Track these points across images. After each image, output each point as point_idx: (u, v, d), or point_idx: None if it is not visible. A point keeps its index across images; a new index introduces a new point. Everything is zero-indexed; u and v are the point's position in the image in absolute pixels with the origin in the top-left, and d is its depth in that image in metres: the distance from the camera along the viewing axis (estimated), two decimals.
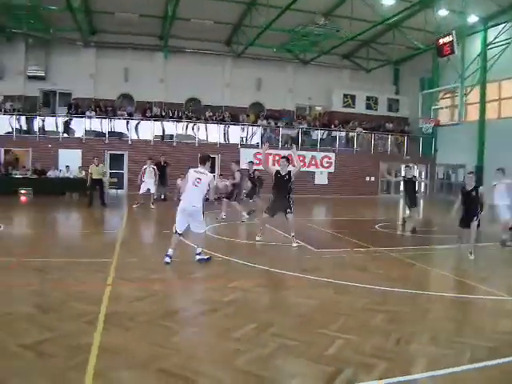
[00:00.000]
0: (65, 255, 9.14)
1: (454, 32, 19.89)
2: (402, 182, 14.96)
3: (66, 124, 25.54)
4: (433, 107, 21.83)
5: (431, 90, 23.30)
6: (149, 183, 18.43)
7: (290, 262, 9.16)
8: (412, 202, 13.91)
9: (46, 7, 22.77)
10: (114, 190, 23.56)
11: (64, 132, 25.14)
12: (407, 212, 14.59)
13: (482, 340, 5.13)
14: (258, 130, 27.92)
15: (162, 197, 21.03)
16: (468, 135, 26.30)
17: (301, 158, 26.56)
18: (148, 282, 7.23)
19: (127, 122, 26.03)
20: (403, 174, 14.56)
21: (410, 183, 13.97)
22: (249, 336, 5.06)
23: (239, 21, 26.39)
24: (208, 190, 8.69)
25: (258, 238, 10.98)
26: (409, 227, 13.84)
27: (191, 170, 8.74)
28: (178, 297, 6.60)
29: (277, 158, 26.18)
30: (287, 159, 10.93)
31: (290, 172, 10.77)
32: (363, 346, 4.83)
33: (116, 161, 25.17)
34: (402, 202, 14.97)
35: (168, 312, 5.83)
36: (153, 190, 18.63)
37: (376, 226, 14.75)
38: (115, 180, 23.16)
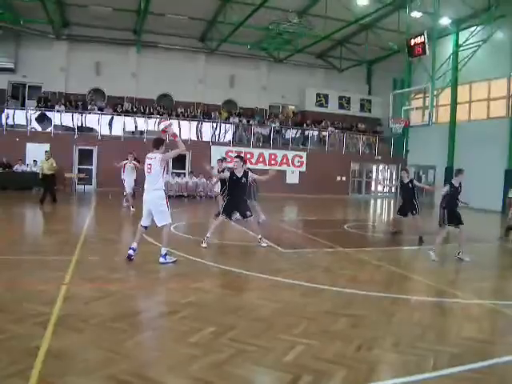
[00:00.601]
0: (23, 253, 8.84)
1: (425, 33, 20.00)
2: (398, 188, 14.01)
3: (36, 118, 24.93)
4: (404, 108, 21.91)
5: (402, 91, 23.43)
6: (129, 181, 16.92)
7: (256, 263, 9.03)
8: (411, 208, 12.47)
9: None
10: (81, 186, 23.17)
11: (32, 126, 24.52)
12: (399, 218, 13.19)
13: (446, 345, 5.04)
14: (230, 128, 27.67)
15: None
16: (439, 136, 26.61)
17: (272, 157, 26.66)
18: (107, 281, 6.98)
19: (97, 117, 25.50)
20: (401, 178, 13.27)
21: (406, 189, 12.66)
22: (206, 340, 4.88)
23: (214, 17, 26.14)
24: (165, 168, 8.47)
25: (203, 245, 9.96)
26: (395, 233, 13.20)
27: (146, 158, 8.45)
28: (137, 298, 6.37)
29: (248, 156, 26.16)
30: (241, 158, 10.57)
31: (246, 173, 10.35)
32: (323, 352, 4.70)
33: (85, 156, 24.67)
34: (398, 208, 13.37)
35: (124, 314, 5.59)
36: (129, 189, 16.91)
37: (345, 226, 14.72)
38: (83, 175, 22.73)
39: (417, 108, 23.43)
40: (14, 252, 8.88)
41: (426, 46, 19.78)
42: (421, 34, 20.03)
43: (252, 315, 5.81)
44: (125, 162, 17.03)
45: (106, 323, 5.23)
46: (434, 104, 26.80)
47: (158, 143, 8.48)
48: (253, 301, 6.41)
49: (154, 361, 4.39)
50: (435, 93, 22.33)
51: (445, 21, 23.79)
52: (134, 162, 17.01)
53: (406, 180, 12.66)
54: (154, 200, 8.23)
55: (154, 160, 8.21)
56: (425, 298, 7.15)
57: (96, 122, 25.43)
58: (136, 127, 26.15)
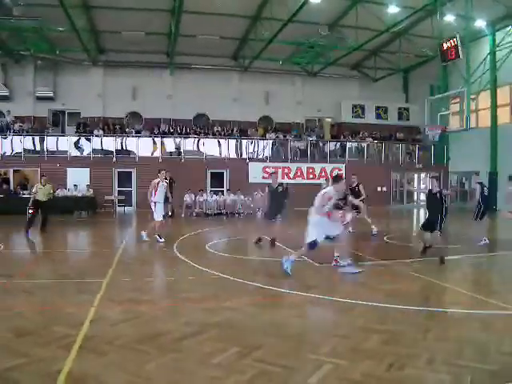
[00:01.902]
0: (57, 275, 8.92)
1: (457, 36, 19.46)
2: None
3: (75, 143, 25.54)
4: (439, 114, 21.33)
5: (437, 96, 22.83)
6: (160, 206, 13.55)
7: (290, 279, 8.78)
8: (432, 224, 10.85)
9: (52, 28, 22.91)
10: (121, 208, 23.53)
11: (73, 151, 25.10)
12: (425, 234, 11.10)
13: (485, 362, 4.70)
14: (267, 144, 27.60)
15: (169, 213, 20.79)
16: (480, 141, 25.84)
17: (310, 171, 26.42)
18: (136, 303, 6.93)
19: (135, 140, 25.91)
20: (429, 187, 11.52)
21: (432, 198, 11.04)
22: (229, 361, 4.72)
23: (245, 35, 26.31)
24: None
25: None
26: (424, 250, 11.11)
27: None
28: (164, 319, 6.24)
29: (286, 170, 26.02)
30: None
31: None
32: (351, 372, 4.45)
33: (124, 178, 25.05)
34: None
35: (149, 336, 5.49)
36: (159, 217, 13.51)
37: (385, 238, 14.33)
38: (123, 198, 23.08)
39: (453, 113, 22.74)
40: (48, 275, 9.00)
41: (459, 49, 19.23)
42: (453, 38, 19.50)
43: (281, 333, 5.62)
44: (156, 180, 13.58)
45: (131, 345, 5.17)
46: (474, 108, 26.20)
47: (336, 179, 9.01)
48: (283, 319, 6.20)
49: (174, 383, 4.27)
50: (472, 97, 21.65)
51: (479, 23, 23.12)
52: (167, 181, 14.19)
53: (435, 190, 11.03)
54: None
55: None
56: (463, 310, 6.71)
57: (134, 144, 25.79)
58: (176, 148, 26.25)
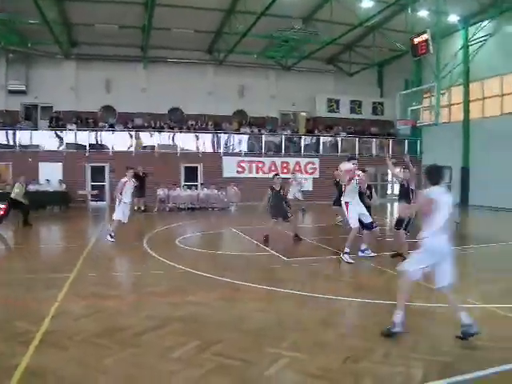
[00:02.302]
0: (24, 271, 8.83)
1: (428, 31, 19.55)
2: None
3: (47, 137, 25.20)
4: (410, 108, 21.51)
5: (407, 91, 23.00)
6: (124, 207, 12.74)
7: (257, 274, 8.82)
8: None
9: (23, 21, 22.47)
10: (94, 203, 23.36)
11: (44, 146, 24.75)
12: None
13: (440, 354, 4.82)
14: (241, 138, 27.56)
15: (142, 208, 20.70)
16: (453, 136, 26.13)
17: (284, 165, 26.49)
18: (100, 297, 6.91)
19: (108, 134, 25.67)
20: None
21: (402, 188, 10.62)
22: (188, 355, 4.77)
23: (219, 28, 26.13)
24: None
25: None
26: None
27: None
28: (128, 313, 6.23)
29: (260, 165, 26.04)
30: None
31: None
32: (307, 365, 4.53)
33: (97, 173, 24.80)
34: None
35: (111, 330, 5.51)
36: (124, 219, 12.76)
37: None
38: (96, 192, 22.88)
39: (424, 108, 22.85)
40: (15, 270, 8.91)
41: (430, 44, 19.29)
42: (424, 32, 19.57)
43: (242, 328, 5.67)
44: (124, 180, 12.89)
45: (91, 340, 5.20)
46: (447, 103, 26.54)
47: None
48: (247, 313, 6.24)
49: (132, 378, 4.30)
50: (444, 91, 21.89)
51: (453, 18, 23.35)
52: (134, 180, 13.36)
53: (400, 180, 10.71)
54: None
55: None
56: (425, 303, 6.72)
57: (107, 138, 25.54)
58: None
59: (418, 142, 29.71)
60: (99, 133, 25.70)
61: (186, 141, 26.55)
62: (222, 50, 27.81)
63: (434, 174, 5.50)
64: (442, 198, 5.30)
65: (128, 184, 12.78)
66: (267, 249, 11.02)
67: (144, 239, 12.58)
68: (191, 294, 7.09)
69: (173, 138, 26.44)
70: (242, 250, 11.24)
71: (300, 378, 4.25)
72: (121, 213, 12.56)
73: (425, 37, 19.60)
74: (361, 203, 10.19)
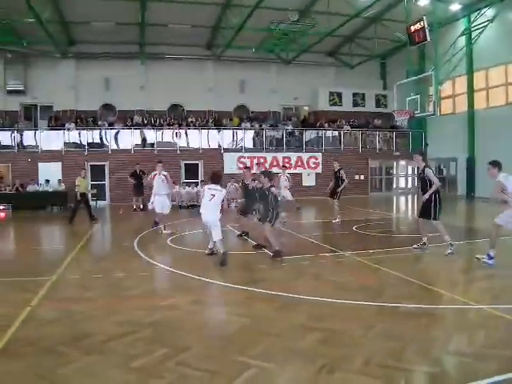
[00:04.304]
0: (3, 273, 8.56)
1: (424, 18, 18.91)
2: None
3: (46, 137, 25.05)
4: (408, 99, 20.99)
5: (403, 81, 22.37)
6: (161, 200, 13.47)
7: (242, 274, 8.51)
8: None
9: (18, 20, 22.24)
10: (94, 202, 23.12)
11: (43, 146, 24.58)
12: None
13: (425, 364, 4.43)
14: (242, 134, 27.19)
15: (141, 206, 20.41)
16: (458, 127, 25.66)
17: (286, 160, 26.10)
18: (75, 301, 6.65)
19: (106, 132, 25.44)
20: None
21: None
22: (151, 364, 4.47)
23: (217, 23, 25.82)
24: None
25: None
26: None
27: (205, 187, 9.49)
28: (98, 318, 5.92)
29: (261, 160, 25.68)
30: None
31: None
32: (277, 376, 4.21)
33: (97, 172, 24.58)
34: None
35: (77, 336, 5.24)
36: (166, 211, 13.71)
37: (354, 228, 14.06)
38: (94, 191, 22.65)
39: (429, 99, 22.25)
40: None
41: (427, 32, 18.66)
42: (420, 20, 18.95)
43: (214, 333, 5.39)
44: (154, 173, 13.86)
45: (53, 347, 4.95)
46: (451, 93, 26.06)
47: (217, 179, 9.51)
48: (222, 316, 5.96)
49: None
50: (443, 81, 21.35)
51: (454, 6, 22.77)
52: (165, 174, 13.74)
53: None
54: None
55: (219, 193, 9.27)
56: (416, 304, 6.30)
57: (106, 137, 25.32)
58: (144, 139, 25.81)
59: (423, 134, 29.16)
60: (98, 131, 25.47)
61: (186, 138, 26.24)
62: (221, 45, 27.46)
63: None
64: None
65: (157, 177, 13.53)
66: (260, 246, 10.68)
67: (136, 239, 12.27)
68: (169, 297, 6.80)
69: (173, 135, 26.13)
70: (235, 248, 10.89)
71: None
72: (159, 205, 13.41)
73: (421, 24, 18.95)
74: None
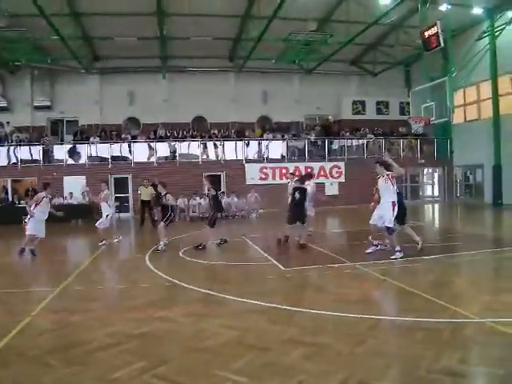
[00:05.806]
0: (10, 285, 8.71)
1: (438, 22, 18.40)
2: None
3: (71, 151, 25.56)
4: (423, 106, 20.59)
5: (420, 87, 21.95)
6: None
7: (245, 285, 8.41)
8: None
9: (42, 38, 22.82)
10: (117, 214, 23.40)
11: (69, 159, 25.10)
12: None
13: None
14: (264, 144, 27.16)
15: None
16: (484, 133, 25.12)
17: (308, 170, 25.87)
18: (71, 312, 6.71)
19: (129, 145, 25.78)
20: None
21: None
22: (129, 377, 4.43)
23: (238, 35, 26.00)
24: None
25: None
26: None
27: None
28: (91, 328, 5.93)
29: (283, 171, 25.60)
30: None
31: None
32: None
33: (120, 184, 24.89)
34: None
35: (65, 347, 5.29)
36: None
37: (370, 237, 13.75)
38: (117, 204, 22.90)
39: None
40: (4, 284, 8.81)
41: (440, 38, 18.24)
42: (433, 25, 18.45)
43: (199, 346, 5.28)
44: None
45: (40, 357, 4.99)
46: (476, 99, 25.55)
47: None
48: (211, 329, 5.84)
49: None
50: (472, 87, 20.88)
51: (476, 10, 22.37)
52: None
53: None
54: None
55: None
56: (414, 318, 5.98)
57: (129, 150, 25.67)
58: (174, 152, 26.05)
59: (448, 141, 28.63)
60: (121, 144, 25.83)
61: (208, 149, 26.40)
62: (242, 57, 27.61)
63: None
64: None
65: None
66: (269, 258, 10.60)
67: (148, 252, 12.30)
68: (164, 309, 6.76)
69: (195, 147, 26.30)
70: (244, 259, 10.84)
71: None
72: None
73: (435, 29, 18.43)
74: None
